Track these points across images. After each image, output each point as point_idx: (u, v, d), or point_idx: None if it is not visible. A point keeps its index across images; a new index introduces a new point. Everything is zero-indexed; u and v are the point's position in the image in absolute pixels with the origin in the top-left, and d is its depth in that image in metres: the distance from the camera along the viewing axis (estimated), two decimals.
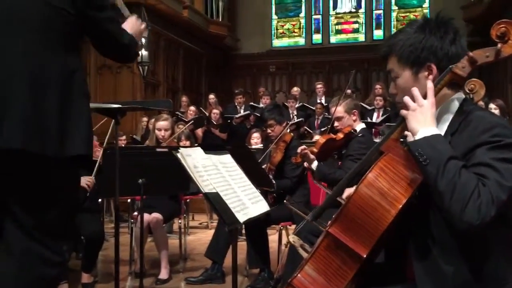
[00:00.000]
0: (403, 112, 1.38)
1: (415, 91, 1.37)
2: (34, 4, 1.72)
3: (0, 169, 1.67)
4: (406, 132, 1.40)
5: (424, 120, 1.33)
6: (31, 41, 1.69)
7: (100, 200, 4.24)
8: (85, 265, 3.68)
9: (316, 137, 7.62)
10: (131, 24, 2.04)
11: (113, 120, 2.61)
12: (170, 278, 3.90)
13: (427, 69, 1.41)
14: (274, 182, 3.76)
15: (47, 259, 1.73)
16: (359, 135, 3.34)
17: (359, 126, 3.42)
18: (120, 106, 2.46)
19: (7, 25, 1.69)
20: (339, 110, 3.39)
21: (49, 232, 1.74)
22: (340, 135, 3.33)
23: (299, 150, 3.32)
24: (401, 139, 1.49)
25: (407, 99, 1.38)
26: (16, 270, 1.69)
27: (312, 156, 3.25)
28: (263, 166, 3.89)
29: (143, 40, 9.01)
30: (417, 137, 1.32)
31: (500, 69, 9.77)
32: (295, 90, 9.82)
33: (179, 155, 1.88)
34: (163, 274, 3.86)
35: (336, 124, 3.42)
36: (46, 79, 1.68)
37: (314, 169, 3.25)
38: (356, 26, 13.64)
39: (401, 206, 1.35)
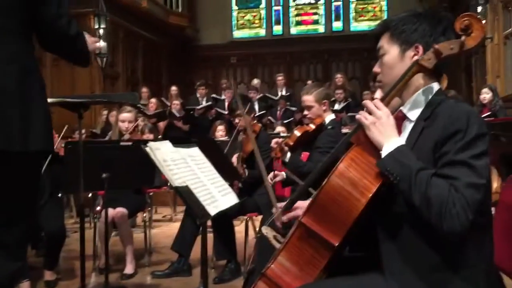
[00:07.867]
0: (364, 122, 1.44)
1: (369, 104, 1.45)
2: None
3: None
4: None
5: (385, 131, 1.41)
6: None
7: (60, 195, 4.12)
8: (47, 262, 3.58)
9: (279, 128, 7.70)
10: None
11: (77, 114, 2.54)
12: (136, 272, 3.86)
13: (414, 49, 1.47)
14: (246, 172, 3.81)
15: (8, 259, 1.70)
16: (329, 127, 3.34)
17: (329, 117, 3.39)
18: (85, 100, 2.39)
19: None
20: (310, 99, 3.35)
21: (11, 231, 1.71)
22: (312, 127, 3.33)
23: (273, 144, 3.23)
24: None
25: (363, 113, 1.45)
26: None
27: (286, 148, 3.21)
28: (235, 156, 3.91)
29: (101, 31, 8.82)
30: (383, 153, 1.39)
31: (453, 60, 10.05)
32: (256, 82, 10.06)
33: (148, 149, 1.85)
34: (129, 269, 3.81)
35: (305, 112, 3.40)
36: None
37: (287, 160, 3.21)
38: (316, 17, 13.76)
39: (371, 195, 1.38)
